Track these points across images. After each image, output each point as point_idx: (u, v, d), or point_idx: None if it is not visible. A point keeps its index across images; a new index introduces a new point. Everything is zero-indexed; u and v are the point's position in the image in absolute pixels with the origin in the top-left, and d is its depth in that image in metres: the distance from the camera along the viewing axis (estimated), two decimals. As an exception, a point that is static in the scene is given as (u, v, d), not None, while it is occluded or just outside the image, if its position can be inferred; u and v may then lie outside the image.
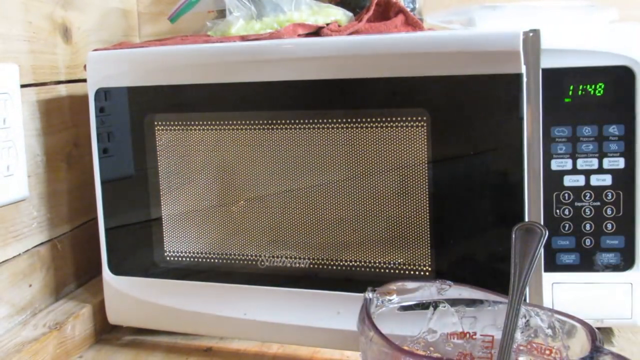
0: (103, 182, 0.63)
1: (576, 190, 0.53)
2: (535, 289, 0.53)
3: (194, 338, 0.66)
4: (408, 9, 0.65)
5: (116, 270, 0.64)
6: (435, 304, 0.48)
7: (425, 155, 0.53)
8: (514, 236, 0.43)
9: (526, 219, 0.52)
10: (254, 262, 0.59)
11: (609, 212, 0.52)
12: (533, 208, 0.52)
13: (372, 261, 0.56)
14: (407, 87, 0.53)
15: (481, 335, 0.47)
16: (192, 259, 0.62)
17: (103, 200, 0.64)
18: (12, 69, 0.62)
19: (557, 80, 0.52)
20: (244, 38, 0.63)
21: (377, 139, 0.54)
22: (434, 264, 0.54)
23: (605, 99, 0.52)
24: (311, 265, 0.58)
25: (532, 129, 0.51)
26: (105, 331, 0.69)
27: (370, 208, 0.55)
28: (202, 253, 0.61)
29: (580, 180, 0.53)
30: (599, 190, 0.52)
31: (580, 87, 0.52)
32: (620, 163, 0.52)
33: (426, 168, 0.53)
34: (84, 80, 0.64)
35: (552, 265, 0.53)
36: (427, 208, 0.53)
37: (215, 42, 0.62)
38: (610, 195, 0.52)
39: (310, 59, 0.56)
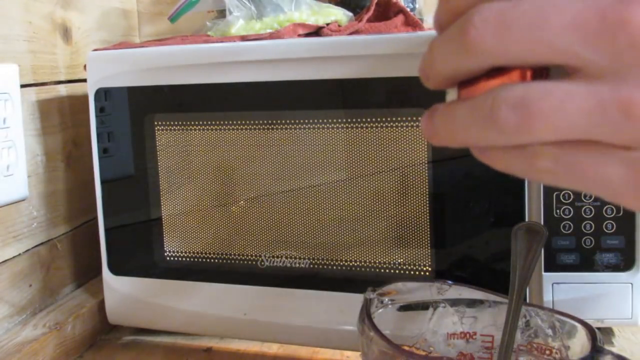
0: (103, 182, 0.63)
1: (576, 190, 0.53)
2: (535, 289, 0.53)
3: (194, 338, 0.66)
4: (408, 9, 0.65)
5: (116, 270, 0.64)
6: (435, 304, 0.48)
7: (425, 155, 0.53)
8: (514, 236, 0.43)
9: (526, 219, 0.52)
10: (254, 262, 0.59)
11: (609, 212, 0.52)
12: (533, 208, 0.52)
13: (372, 261, 0.56)
14: (407, 87, 0.53)
15: (481, 335, 0.47)
16: (192, 259, 0.62)
17: (103, 200, 0.64)
18: (12, 69, 0.62)
19: (557, 80, 0.52)
20: (244, 38, 0.63)
21: (377, 139, 0.54)
22: (434, 264, 0.54)
23: (605, 99, 0.52)
24: (311, 265, 0.58)
25: (532, 129, 0.51)
26: (105, 331, 0.69)
27: (370, 208, 0.55)
28: (202, 253, 0.61)
29: (580, 180, 0.53)
30: (599, 190, 0.52)
31: (580, 87, 0.52)
32: (620, 163, 0.52)
33: (426, 168, 0.53)
34: (84, 80, 0.64)
35: (552, 265, 0.53)
36: (427, 208, 0.53)
37: (215, 42, 0.62)
38: (610, 195, 0.52)
39: (310, 59, 0.56)
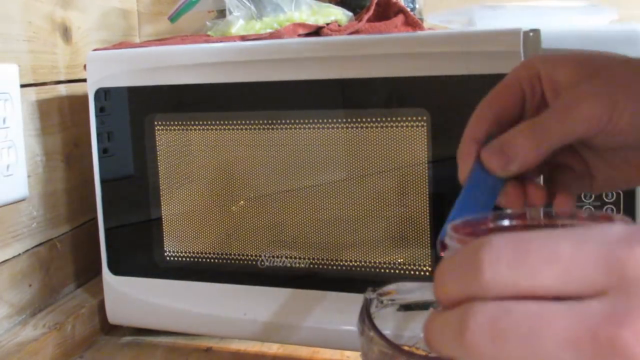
0: (103, 182, 0.63)
1: (576, 190, 0.53)
2: (535, 289, 0.53)
3: (194, 338, 0.66)
4: (408, 9, 0.65)
5: (116, 270, 0.64)
6: (435, 304, 0.48)
7: (425, 155, 0.53)
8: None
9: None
10: (254, 262, 0.59)
11: (609, 212, 0.52)
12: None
13: (372, 261, 0.56)
14: (407, 87, 0.53)
15: (481, 335, 0.47)
16: (192, 259, 0.62)
17: (103, 200, 0.64)
18: (12, 69, 0.62)
19: (557, 80, 0.52)
20: (244, 38, 0.63)
21: (377, 139, 0.54)
22: (434, 264, 0.54)
23: (605, 99, 0.52)
24: (311, 265, 0.58)
25: (532, 129, 0.51)
26: (105, 331, 0.69)
27: (370, 208, 0.55)
28: (202, 253, 0.61)
29: (580, 180, 0.53)
30: (599, 190, 0.52)
31: (580, 87, 0.52)
32: (620, 163, 0.52)
33: (426, 168, 0.53)
34: (84, 80, 0.64)
35: (552, 265, 0.53)
36: (427, 208, 0.53)
37: (215, 42, 0.62)
38: (610, 195, 0.52)
39: (310, 59, 0.56)
